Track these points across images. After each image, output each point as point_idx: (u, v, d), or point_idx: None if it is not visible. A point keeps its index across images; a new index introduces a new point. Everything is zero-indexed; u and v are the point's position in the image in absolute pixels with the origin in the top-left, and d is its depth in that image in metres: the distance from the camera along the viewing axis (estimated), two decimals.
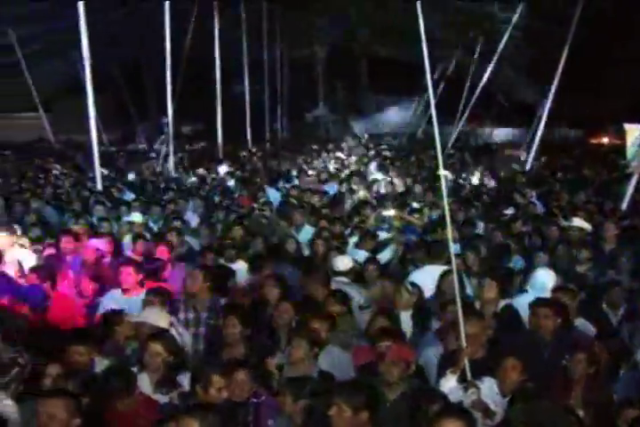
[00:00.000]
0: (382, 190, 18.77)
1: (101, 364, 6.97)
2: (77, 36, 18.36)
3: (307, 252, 11.84)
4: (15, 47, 30.97)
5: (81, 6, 17.54)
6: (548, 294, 8.44)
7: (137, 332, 7.51)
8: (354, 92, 47.45)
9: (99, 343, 7.29)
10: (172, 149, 23.46)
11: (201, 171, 23.25)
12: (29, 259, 10.95)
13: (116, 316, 7.93)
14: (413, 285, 8.77)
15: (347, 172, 23.44)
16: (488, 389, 6.54)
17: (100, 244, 11.56)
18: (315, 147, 33.87)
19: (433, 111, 7.73)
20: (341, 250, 11.26)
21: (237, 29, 31.48)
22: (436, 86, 27.30)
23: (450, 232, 7.16)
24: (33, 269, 9.52)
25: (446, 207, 7.28)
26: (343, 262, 9.99)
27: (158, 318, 7.56)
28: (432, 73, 9.13)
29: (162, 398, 6.52)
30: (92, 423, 5.58)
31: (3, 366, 6.42)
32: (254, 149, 32.02)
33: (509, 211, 15.37)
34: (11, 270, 9.95)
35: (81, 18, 17.53)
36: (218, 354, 7.54)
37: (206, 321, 8.41)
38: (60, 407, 5.30)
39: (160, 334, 7.07)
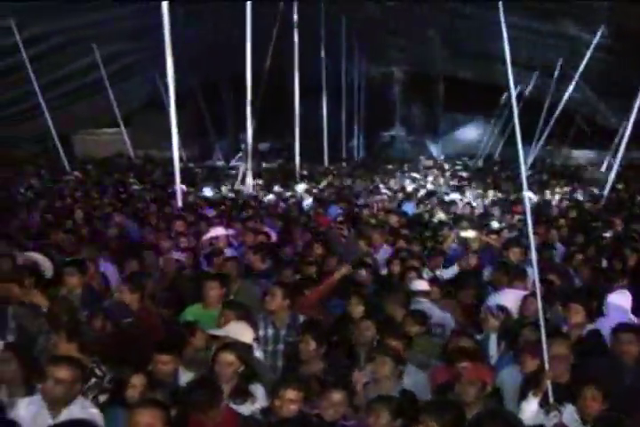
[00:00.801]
0: (460, 211, 18.74)
1: (184, 375, 7.10)
2: (158, 53, 18.71)
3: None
4: (99, 65, 31.59)
5: (166, 23, 17.81)
6: (627, 317, 8.33)
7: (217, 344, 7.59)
8: (430, 112, 47.39)
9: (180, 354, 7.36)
10: (250, 166, 23.65)
11: (277, 188, 23.43)
12: (113, 272, 11.21)
13: (190, 327, 8.05)
14: (500, 307, 8.74)
15: (422, 192, 23.41)
16: (569, 414, 6.48)
17: (181, 258, 11.77)
18: (390, 167, 33.89)
19: (517, 133, 7.70)
20: (419, 270, 11.25)
21: (316, 48, 31.67)
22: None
23: (534, 254, 7.12)
24: (124, 282, 9.63)
25: (530, 229, 7.24)
26: (421, 284, 10.03)
27: (242, 332, 7.64)
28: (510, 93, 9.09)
29: (237, 409, 6.58)
30: None
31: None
32: (331, 168, 32.17)
33: (608, 234, 15.27)
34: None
35: (166, 35, 17.81)
36: (296, 371, 7.59)
37: (285, 338, 8.48)
38: (155, 418, 5.40)
39: (232, 345, 7.16)
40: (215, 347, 7.32)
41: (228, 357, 6.88)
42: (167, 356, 6.94)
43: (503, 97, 38.30)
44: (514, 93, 7.82)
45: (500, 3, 8.17)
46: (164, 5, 17.68)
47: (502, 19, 7.91)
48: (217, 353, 7.00)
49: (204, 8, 27.56)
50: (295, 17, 27.73)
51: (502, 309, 8.72)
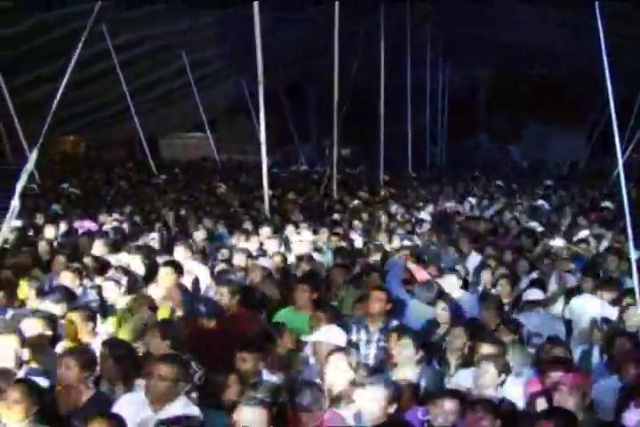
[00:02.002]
0: (546, 220, 18.53)
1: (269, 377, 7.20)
2: (244, 60, 18.85)
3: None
4: (187, 70, 32.06)
5: (257, 29, 18.00)
6: None
7: (315, 349, 7.67)
8: (515, 119, 46.83)
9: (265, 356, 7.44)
10: (335, 171, 23.74)
11: (363, 194, 23.46)
12: (204, 273, 11.41)
13: (279, 329, 8.15)
14: (605, 320, 8.67)
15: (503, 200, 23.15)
16: None
17: (267, 262, 11.92)
18: (476, 174, 33.63)
19: (617, 141, 7.64)
20: (509, 278, 11.18)
21: (402, 52, 31.58)
22: (601, 116, 26.62)
23: (634, 265, 7.06)
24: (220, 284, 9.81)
25: (630, 238, 7.17)
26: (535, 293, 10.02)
27: (335, 336, 7.72)
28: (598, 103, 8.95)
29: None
30: None
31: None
32: (414, 174, 32.09)
33: None
34: (187, 282, 10.36)
35: (257, 39, 18.00)
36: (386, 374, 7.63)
37: (377, 343, 8.53)
38: (259, 416, 5.48)
39: (341, 349, 7.24)
40: (326, 350, 7.39)
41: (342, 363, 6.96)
42: (249, 354, 7.02)
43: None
44: (612, 100, 7.70)
45: (597, 3, 8.09)
46: (256, 8, 17.87)
47: (599, 21, 7.83)
48: (328, 357, 7.06)
49: (290, 15, 27.73)
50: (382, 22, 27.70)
51: (607, 321, 8.64)
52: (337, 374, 6.87)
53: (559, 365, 6.91)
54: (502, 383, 7.04)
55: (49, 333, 7.61)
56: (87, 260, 11.64)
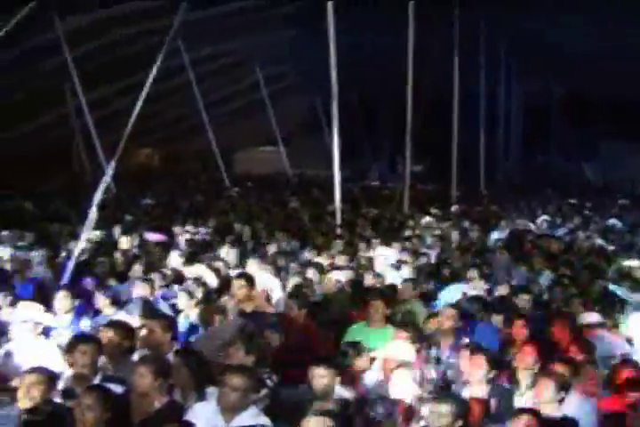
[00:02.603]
0: (619, 239, 18.26)
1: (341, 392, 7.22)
2: (317, 75, 19.00)
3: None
4: (261, 85, 32.41)
5: (331, 28, 18.12)
6: None
7: (384, 364, 7.70)
8: (590, 136, 46.21)
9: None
10: (407, 186, 23.73)
11: (434, 210, 23.40)
12: (276, 286, 11.52)
13: (356, 347, 8.17)
14: None
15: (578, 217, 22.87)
16: None
17: (341, 276, 11.97)
18: (549, 191, 33.28)
19: None
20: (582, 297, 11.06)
21: (475, 68, 31.45)
22: None
23: None
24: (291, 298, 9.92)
25: None
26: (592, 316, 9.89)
27: (405, 351, 7.74)
28: None
29: None
30: None
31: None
32: (486, 191, 31.88)
33: None
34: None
35: (331, 39, 18.13)
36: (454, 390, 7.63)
37: (448, 360, 8.52)
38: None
39: (407, 365, 7.26)
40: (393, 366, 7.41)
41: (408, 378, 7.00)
42: (324, 370, 7.05)
43: None
44: None
45: None
46: (330, 8, 18.01)
47: None
48: (394, 372, 7.13)
49: (363, 29, 27.85)
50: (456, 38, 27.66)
51: None
52: (402, 389, 6.89)
53: (636, 386, 6.82)
54: (561, 400, 6.98)
55: (126, 341, 7.76)
56: (164, 271, 11.86)
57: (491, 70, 32.53)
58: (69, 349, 7.39)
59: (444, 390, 7.75)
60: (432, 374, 8.26)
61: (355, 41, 26.59)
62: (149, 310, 9.19)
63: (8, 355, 7.96)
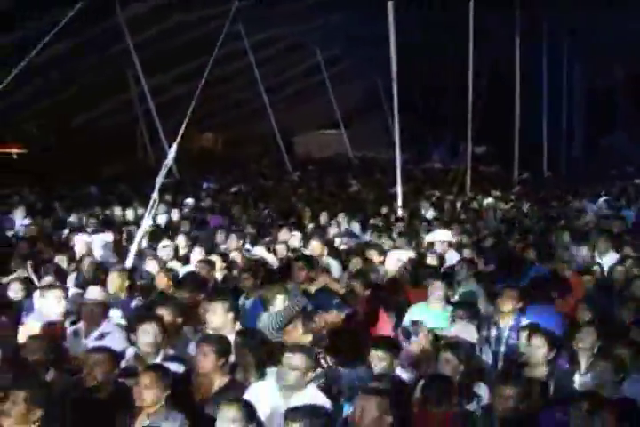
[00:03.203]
0: None
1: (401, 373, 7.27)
2: (378, 56, 18.92)
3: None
4: (322, 68, 32.39)
5: (391, 28, 18.05)
6: None
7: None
8: None
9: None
10: (469, 169, 23.58)
11: (496, 193, 23.25)
12: (337, 268, 11.59)
13: (417, 326, 8.20)
14: None
15: None
16: None
17: (402, 257, 11.99)
18: (613, 173, 32.82)
19: None
20: None
21: (538, 50, 31.07)
22: None
23: None
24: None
25: None
26: None
27: (467, 332, 7.75)
28: None
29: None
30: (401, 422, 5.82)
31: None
32: (549, 173, 31.56)
33: None
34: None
35: (391, 38, 18.06)
36: (517, 372, 7.60)
37: (508, 340, 8.51)
38: (379, 405, 5.60)
39: (454, 343, 7.29)
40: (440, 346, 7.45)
41: (448, 355, 7.01)
42: (383, 353, 7.08)
43: None
44: None
45: None
46: (390, 8, 17.93)
47: None
48: (440, 352, 7.15)
49: (425, 12, 27.66)
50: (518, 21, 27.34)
51: None
52: (445, 368, 6.94)
53: None
54: (621, 381, 6.93)
55: (179, 319, 7.95)
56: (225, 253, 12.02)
57: (553, 51, 32.11)
58: (133, 328, 7.55)
59: (506, 372, 7.76)
60: (489, 355, 8.30)
61: (415, 23, 26.45)
62: (204, 290, 9.35)
63: (76, 334, 8.14)
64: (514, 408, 6.23)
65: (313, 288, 9.76)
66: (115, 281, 9.44)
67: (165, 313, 7.78)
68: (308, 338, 7.56)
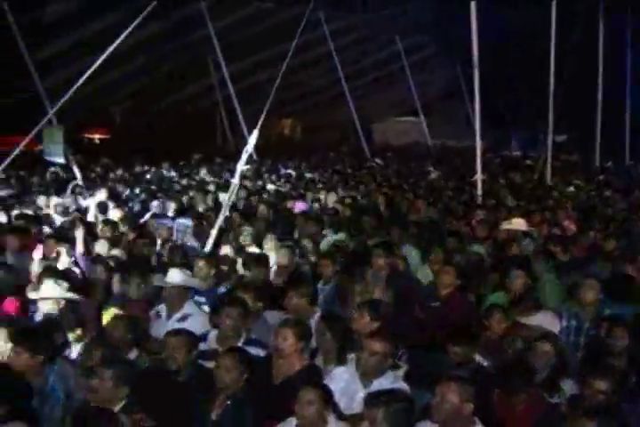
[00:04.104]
0: None
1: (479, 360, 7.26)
2: (458, 44, 18.73)
3: None
4: (401, 55, 32.29)
5: (474, 27, 17.90)
6: None
7: (524, 333, 7.67)
8: None
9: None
10: (549, 157, 23.26)
11: (577, 181, 22.92)
12: (416, 256, 11.60)
13: (490, 310, 8.20)
14: None
15: None
16: None
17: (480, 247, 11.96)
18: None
19: None
20: None
21: (621, 38, 30.49)
22: None
23: None
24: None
25: None
26: None
27: (550, 322, 7.70)
28: None
29: None
30: (481, 410, 5.81)
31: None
32: (632, 162, 30.96)
33: None
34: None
35: (473, 36, 17.91)
36: (596, 363, 7.51)
37: (588, 331, 8.41)
38: (458, 392, 5.55)
39: (551, 335, 7.25)
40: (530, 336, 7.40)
41: (546, 346, 6.95)
42: (458, 348, 7.08)
43: None
44: None
45: None
46: (473, 8, 17.79)
47: None
48: (534, 342, 7.08)
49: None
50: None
51: None
52: (539, 360, 6.86)
53: None
54: None
55: (259, 302, 8.04)
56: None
57: (638, 35, 31.46)
58: (216, 312, 7.67)
59: (597, 364, 7.68)
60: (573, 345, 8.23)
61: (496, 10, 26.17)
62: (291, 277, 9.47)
63: (158, 315, 8.30)
64: (604, 401, 6.13)
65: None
66: (202, 268, 9.52)
67: (247, 297, 7.87)
68: (375, 325, 7.53)
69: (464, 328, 7.85)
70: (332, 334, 7.02)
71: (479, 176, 17.89)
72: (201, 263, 9.59)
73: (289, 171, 24.92)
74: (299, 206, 16.64)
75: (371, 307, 7.77)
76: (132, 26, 12.83)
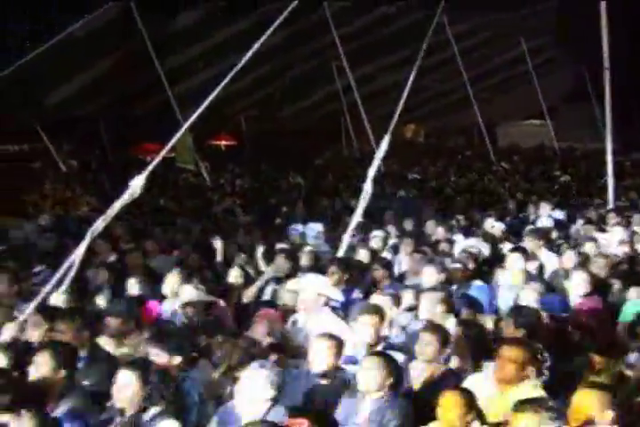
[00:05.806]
0: None
1: None
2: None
3: None
4: (526, 57, 31.90)
5: (603, 13, 17.54)
6: None
7: None
8: None
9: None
10: None
11: None
12: (552, 260, 11.45)
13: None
14: None
15: None
16: None
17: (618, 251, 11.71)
18: None
19: None
20: None
21: None
22: None
23: None
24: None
25: None
26: None
27: None
28: None
29: None
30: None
31: None
32: None
33: None
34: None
35: (602, 23, 17.56)
36: None
37: None
38: (598, 399, 5.44)
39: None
40: None
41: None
42: (602, 359, 6.94)
43: None
44: None
45: None
46: (603, 7, 17.46)
47: None
48: None
49: None
50: None
51: None
52: None
53: None
54: None
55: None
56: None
57: None
58: (354, 318, 7.75)
59: None
60: None
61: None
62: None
63: (295, 323, 8.41)
64: None
65: None
66: (333, 276, 9.59)
67: (382, 303, 7.93)
68: (521, 332, 7.43)
69: (609, 344, 7.70)
70: (468, 340, 7.02)
71: (610, 179, 17.52)
72: (332, 270, 9.70)
73: (414, 175, 24.92)
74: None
75: (516, 315, 7.72)
76: (269, 31, 12.92)
